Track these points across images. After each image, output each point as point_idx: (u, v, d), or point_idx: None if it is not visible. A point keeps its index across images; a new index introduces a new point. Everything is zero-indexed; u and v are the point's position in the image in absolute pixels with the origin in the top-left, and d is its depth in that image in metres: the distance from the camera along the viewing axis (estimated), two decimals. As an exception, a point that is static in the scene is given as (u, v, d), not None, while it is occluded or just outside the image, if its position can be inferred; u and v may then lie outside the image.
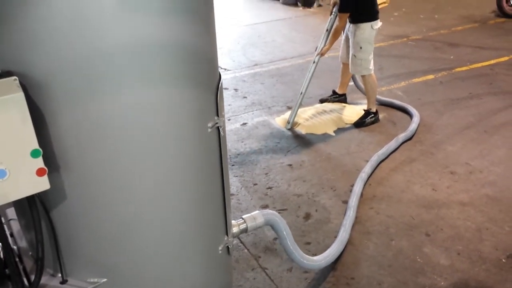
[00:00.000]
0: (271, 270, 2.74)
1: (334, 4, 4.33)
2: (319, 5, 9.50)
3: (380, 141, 4.13)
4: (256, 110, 4.89)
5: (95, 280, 1.45)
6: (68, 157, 1.30)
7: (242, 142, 4.24)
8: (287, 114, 4.62)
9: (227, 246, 1.79)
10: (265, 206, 3.31)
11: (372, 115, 4.46)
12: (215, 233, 1.70)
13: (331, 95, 4.99)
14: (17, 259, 1.52)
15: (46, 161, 1.19)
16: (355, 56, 4.27)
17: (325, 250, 2.70)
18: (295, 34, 7.64)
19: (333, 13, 4.34)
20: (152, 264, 1.50)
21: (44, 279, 1.42)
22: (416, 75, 5.67)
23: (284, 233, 2.24)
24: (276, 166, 3.83)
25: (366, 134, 4.31)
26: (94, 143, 1.30)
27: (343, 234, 2.86)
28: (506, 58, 6.14)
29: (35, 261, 1.52)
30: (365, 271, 2.71)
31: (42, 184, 1.20)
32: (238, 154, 4.03)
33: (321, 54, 4.43)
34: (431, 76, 5.62)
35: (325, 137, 4.29)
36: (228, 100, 5.08)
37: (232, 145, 4.16)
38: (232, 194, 3.44)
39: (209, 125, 1.51)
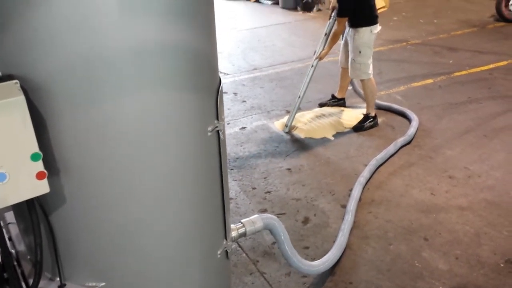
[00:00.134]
0: (269, 274, 2.74)
1: (333, 9, 4.35)
2: (319, 10, 9.53)
3: (379, 145, 4.13)
4: (255, 114, 4.90)
5: (93, 284, 1.45)
6: (68, 161, 1.30)
7: (241, 146, 4.25)
8: (286, 118, 4.62)
9: (226, 250, 1.79)
10: (264, 210, 3.31)
11: (371, 119, 4.47)
12: (214, 237, 1.70)
13: (330, 99, 5.00)
14: (15, 263, 1.52)
15: (45, 164, 1.19)
16: (354, 60, 4.28)
17: (324, 254, 2.71)
18: (295, 39, 7.66)
19: (332, 17, 4.36)
20: (151, 268, 1.50)
21: (42, 283, 1.42)
22: (415, 79, 5.69)
23: (283, 237, 2.24)
24: (275, 170, 3.83)
25: (365, 138, 4.32)
26: (94, 147, 1.30)
27: (342, 239, 2.86)
28: (505, 63, 6.16)
29: (33, 265, 1.53)
30: (364, 275, 2.71)
31: (42, 187, 1.20)
32: (237, 158, 4.03)
33: (320, 58, 4.45)
34: (430, 81, 5.63)
35: (324, 141, 4.29)
36: (228, 104, 5.09)
37: (231, 149, 4.16)
38: (231, 198, 3.45)
39: (209, 128, 1.51)
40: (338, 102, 4.96)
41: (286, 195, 3.50)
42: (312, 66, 4.48)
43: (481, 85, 5.46)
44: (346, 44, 4.50)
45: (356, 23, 4.20)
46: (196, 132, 1.47)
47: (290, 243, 2.29)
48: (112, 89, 1.24)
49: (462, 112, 4.77)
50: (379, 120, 4.56)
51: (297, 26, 8.55)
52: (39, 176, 1.19)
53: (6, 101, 1.10)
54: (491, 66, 6.05)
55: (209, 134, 1.52)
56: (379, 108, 4.79)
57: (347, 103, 4.99)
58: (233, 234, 1.91)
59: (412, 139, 4.23)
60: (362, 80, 4.38)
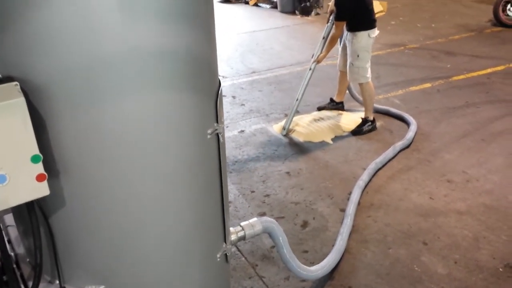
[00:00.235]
0: (268, 278, 2.73)
1: (331, 12, 4.36)
2: (317, 14, 9.55)
3: (378, 149, 4.14)
4: (254, 117, 4.90)
5: (93, 286, 1.44)
6: (68, 163, 1.30)
7: (240, 149, 4.24)
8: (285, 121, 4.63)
9: (225, 254, 1.79)
10: (263, 214, 3.30)
11: (370, 123, 4.48)
12: (214, 240, 1.70)
13: (328, 103, 5.01)
14: (14, 266, 1.51)
15: (45, 166, 1.19)
16: (352, 64, 4.29)
17: (323, 258, 2.70)
18: (293, 42, 7.68)
19: (329, 21, 4.38)
20: (150, 271, 1.49)
21: (41, 286, 1.41)
22: (413, 83, 5.70)
23: (281, 241, 2.23)
24: (274, 173, 3.83)
25: (364, 142, 4.32)
26: (94, 148, 1.29)
27: (341, 243, 2.86)
28: (502, 67, 6.18)
29: (32, 268, 1.52)
30: (363, 279, 2.70)
31: (42, 189, 1.19)
32: (236, 161, 4.03)
33: (318, 61, 4.46)
34: (428, 85, 5.65)
35: (322, 145, 4.29)
36: (226, 107, 5.09)
37: (230, 152, 4.16)
38: (230, 202, 3.44)
39: (209, 131, 1.51)
40: (336, 105, 4.97)
41: (285, 198, 3.49)
42: (310, 69, 4.49)
43: (479, 89, 5.48)
44: (344, 48, 4.51)
45: (354, 27, 4.21)
46: (195, 134, 1.47)
47: (289, 247, 2.28)
48: (112, 91, 1.24)
49: (460, 116, 4.79)
50: (378, 124, 4.57)
51: (295, 29, 8.57)
52: (39, 178, 1.18)
53: (6, 103, 1.10)
54: (489, 70, 6.07)
55: (208, 136, 1.52)
56: (378, 112, 4.79)
57: (346, 107, 4.99)
58: (233, 237, 1.91)
59: (411, 143, 4.23)
60: (360, 84, 4.39)
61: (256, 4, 10.71)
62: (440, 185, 3.62)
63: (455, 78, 5.85)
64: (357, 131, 4.45)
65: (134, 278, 1.49)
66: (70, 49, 1.17)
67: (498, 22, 8.14)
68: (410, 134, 4.30)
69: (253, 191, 3.59)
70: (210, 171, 1.58)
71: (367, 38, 4.19)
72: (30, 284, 1.42)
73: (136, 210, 1.41)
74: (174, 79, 1.34)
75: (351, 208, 3.21)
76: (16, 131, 1.12)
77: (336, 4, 4.21)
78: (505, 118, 4.72)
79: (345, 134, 4.48)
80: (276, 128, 4.62)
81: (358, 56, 4.23)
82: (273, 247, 2.93)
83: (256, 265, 2.83)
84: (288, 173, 3.84)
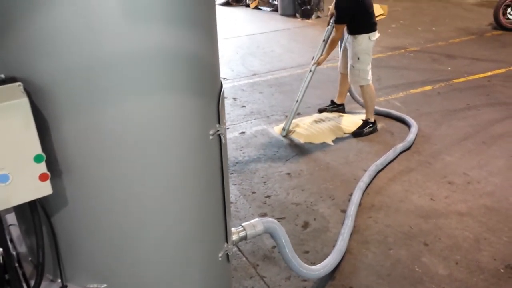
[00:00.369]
0: (269, 278, 2.74)
1: (332, 15, 4.38)
2: (318, 17, 9.57)
3: (378, 151, 4.14)
4: (255, 119, 4.91)
5: (95, 285, 1.45)
6: (70, 163, 1.30)
7: (241, 150, 4.25)
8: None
9: (227, 253, 1.79)
10: (264, 215, 3.31)
11: (371, 125, 4.49)
12: (215, 240, 1.71)
13: (329, 105, 5.02)
14: (16, 265, 1.52)
15: (48, 166, 1.20)
16: (353, 66, 4.31)
17: (324, 259, 2.70)
18: (294, 45, 7.70)
19: (330, 24, 4.39)
20: (152, 270, 1.50)
21: (43, 285, 1.42)
22: (414, 86, 5.71)
23: (283, 241, 2.24)
24: (275, 174, 3.84)
25: (365, 144, 4.33)
26: (96, 149, 1.30)
27: (342, 243, 2.86)
28: (503, 70, 6.19)
29: (34, 267, 1.53)
30: (364, 280, 2.71)
31: (45, 189, 1.20)
32: (237, 163, 4.04)
33: (318, 63, 4.48)
34: (429, 87, 5.66)
35: (323, 146, 4.30)
36: (227, 109, 5.10)
37: (231, 153, 4.17)
38: (231, 202, 3.45)
39: (211, 132, 1.52)
40: (337, 107, 4.98)
41: (286, 199, 3.50)
42: (310, 71, 4.51)
43: (480, 92, 5.49)
44: (345, 50, 4.52)
45: (355, 30, 4.23)
46: (197, 135, 1.48)
47: (290, 247, 2.29)
48: (113, 92, 1.25)
49: (461, 118, 4.79)
50: (378, 126, 4.58)
51: (296, 32, 8.60)
52: (42, 177, 1.19)
53: (10, 103, 1.11)
54: (490, 73, 6.08)
55: (210, 137, 1.53)
56: (379, 114, 4.80)
57: (346, 109, 5.00)
58: (234, 237, 1.91)
59: (412, 145, 4.24)
60: (361, 86, 4.40)
61: (257, 7, 10.74)
62: (441, 186, 3.62)
63: (455, 80, 5.86)
64: (358, 133, 4.46)
65: (135, 277, 1.50)
66: (72, 50, 1.18)
67: (498, 25, 8.16)
68: (411, 136, 4.31)
69: (254, 192, 3.60)
70: (212, 171, 1.59)
71: (368, 41, 4.20)
72: (32, 282, 1.42)
73: (137, 210, 1.42)
74: (176, 80, 1.35)
75: (352, 209, 3.21)
76: (19, 131, 1.13)
77: (336, 7, 4.23)
78: (506, 120, 4.72)
79: (346, 135, 4.49)
80: (277, 130, 4.63)
81: (358, 58, 4.24)
82: (274, 247, 2.94)
83: (257, 265, 2.83)
84: (289, 174, 3.84)
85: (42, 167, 1.18)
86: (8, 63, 1.22)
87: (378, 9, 9.13)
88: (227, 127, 4.65)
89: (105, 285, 1.46)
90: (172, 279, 1.57)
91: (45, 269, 1.38)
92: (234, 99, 5.44)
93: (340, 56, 4.69)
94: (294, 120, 4.68)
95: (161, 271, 1.53)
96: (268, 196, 3.54)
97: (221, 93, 1.58)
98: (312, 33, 8.42)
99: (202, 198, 1.57)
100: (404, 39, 7.79)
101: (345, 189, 3.61)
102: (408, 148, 4.19)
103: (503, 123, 4.66)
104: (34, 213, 1.28)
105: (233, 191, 3.59)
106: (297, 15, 9.66)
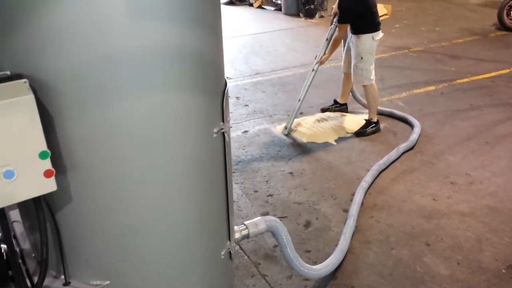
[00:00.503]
0: (271, 277, 2.74)
1: (335, 15, 4.38)
2: (321, 16, 9.57)
3: (381, 150, 4.14)
4: (258, 118, 4.92)
5: (98, 282, 1.46)
6: (75, 160, 1.31)
7: (243, 149, 4.26)
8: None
9: (229, 251, 1.80)
10: (266, 213, 3.31)
11: (373, 124, 4.49)
12: (218, 238, 1.71)
13: (332, 105, 5.02)
14: (20, 261, 1.53)
15: (52, 163, 1.20)
16: (356, 66, 4.31)
17: (326, 258, 2.71)
18: (297, 44, 7.69)
19: (333, 23, 4.39)
20: (156, 267, 1.51)
21: (47, 281, 1.43)
22: (417, 86, 5.71)
23: (285, 240, 2.24)
24: (277, 174, 3.84)
25: (367, 143, 4.33)
26: (101, 146, 1.31)
27: (343, 243, 2.86)
28: (506, 71, 6.17)
29: (38, 263, 1.54)
30: (365, 279, 2.71)
31: (49, 185, 1.21)
32: (239, 161, 4.04)
33: (321, 62, 4.48)
34: (432, 87, 5.65)
35: (326, 146, 4.30)
36: (230, 108, 5.10)
37: (233, 152, 4.17)
38: (233, 201, 3.45)
39: (215, 130, 1.52)
40: (340, 107, 4.98)
41: (288, 198, 3.50)
42: (313, 70, 4.51)
43: (483, 92, 5.48)
44: (348, 50, 4.53)
45: (358, 30, 4.22)
46: (202, 133, 1.49)
47: (292, 246, 2.29)
48: (118, 90, 1.26)
49: (464, 119, 4.79)
50: (381, 125, 4.58)
51: (299, 32, 8.59)
52: (47, 174, 1.20)
53: (16, 100, 1.11)
54: (493, 74, 6.07)
55: (214, 135, 1.54)
56: (382, 114, 4.80)
57: (349, 109, 5.00)
58: (237, 235, 1.92)
59: (415, 145, 4.23)
60: (364, 86, 4.39)
61: (260, 7, 10.75)
62: (444, 187, 3.62)
63: (459, 81, 5.85)
64: (361, 133, 4.46)
65: (138, 274, 1.50)
66: (77, 48, 1.19)
67: (502, 26, 8.14)
68: (414, 136, 4.31)
69: (256, 191, 3.60)
70: (216, 169, 1.59)
71: (371, 41, 4.20)
72: (35, 279, 1.43)
73: (140, 208, 1.42)
74: (181, 78, 1.36)
75: (354, 209, 3.21)
76: (25, 127, 1.14)
77: (339, 6, 4.23)
78: (509, 121, 4.71)
79: (348, 135, 4.49)
80: (279, 129, 4.63)
81: (362, 58, 4.24)
82: (276, 246, 2.94)
83: (259, 264, 2.84)
84: (291, 173, 3.85)
85: (47, 164, 1.19)
86: (14, 60, 1.22)
87: (381, 9, 9.14)
88: (230, 126, 4.67)
89: (108, 282, 1.46)
90: (175, 277, 1.58)
91: (48, 266, 1.38)
92: (237, 98, 5.45)
93: (343, 55, 4.69)
94: (296, 120, 4.69)
95: (164, 269, 1.53)
96: (270, 195, 3.55)
97: (226, 91, 1.59)
98: (315, 32, 8.42)
99: (206, 196, 1.57)
100: (407, 39, 7.78)
101: (347, 188, 3.61)
102: (411, 148, 4.19)
103: (506, 124, 4.65)
104: (38, 209, 1.29)
105: (236, 190, 3.60)
106: (301, 14, 9.66)
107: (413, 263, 2.82)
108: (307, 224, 3.21)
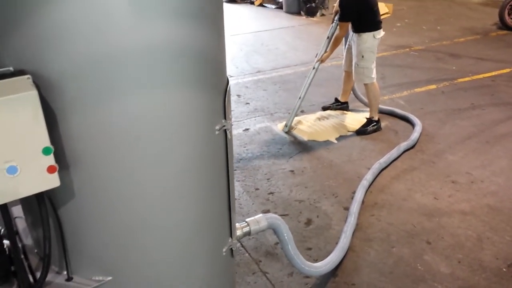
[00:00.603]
0: (272, 274, 2.75)
1: (336, 13, 4.38)
2: (322, 15, 9.56)
3: (382, 149, 4.15)
4: (259, 116, 4.92)
5: (100, 278, 1.46)
6: (77, 156, 1.31)
7: (244, 147, 4.26)
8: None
9: (231, 248, 1.80)
10: (267, 211, 3.32)
11: (374, 123, 4.49)
12: (220, 234, 1.71)
13: (333, 103, 5.02)
14: (22, 257, 1.53)
15: (55, 159, 1.21)
16: (357, 64, 4.31)
17: (326, 256, 2.71)
18: (298, 42, 7.69)
19: (334, 21, 4.39)
20: (158, 263, 1.51)
21: (49, 276, 1.43)
22: (419, 85, 5.71)
23: (286, 238, 2.25)
24: (278, 171, 3.85)
25: (368, 142, 4.33)
26: (104, 143, 1.31)
27: (344, 241, 2.87)
28: (507, 70, 6.17)
29: (40, 259, 1.54)
30: (366, 277, 2.71)
31: (53, 181, 1.21)
32: (240, 159, 4.04)
33: (321, 60, 4.48)
34: (433, 86, 5.65)
35: (327, 144, 4.30)
36: (231, 105, 5.09)
37: (235, 150, 4.18)
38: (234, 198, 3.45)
39: (217, 127, 1.52)
40: (341, 105, 4.98)
41: (289, 196, 3.51)
42: (314, 68, 4.51)
43: (484, 91, 5.48)
44: (349, 48, 4.52)
45: (359, 28, 4.22)
46: (204, 130, 1.49)
47: (293, 244, 2.30)
48: (121, 87, 1.26)
49: (465, 118, 4.79)
50: (382, 124, 4.58)
51: (300, 30, 8.59)
52: (50, 170, 1.20)
53: (20, 95, 1.12)
54: (494, 73, 6.07)
55: (216, 133, 1.54)
56: (383, 112, 4.80)
57: (350, 107, 5.00)
58: (238, 233, 1.92)
59: (415, 143, 4.24)
60: (365, 84, 4.39)
61: (261, 5, 10.74)
62: (444, 185, 3.62)
63: (460, 80, 5.85)
64: (362, 131, 4.46)
65: (140, 270, 1.51)
66: (80, 45, 1.18)
67: (503, 25, 8.14)
68: (415, 135, 4.31)
69: (257, 189, 3.61)
70: (218, 166, 1.60)
71: (372, 39, 4.20)
72: (37, 274, 1.44)
73: (143, 204, 1.42)
74: (184, 76, 1.36)
75: (355, 207, 3.22)
76: (28, 123, 1.14)
77: (340, 5, 4.23)
78: (510, 120, 4.72)
79: (349, 133, 4.49)
80: (280, 127, 4.63)
81: (363, 57, 4.24)
82: (277, 243, 2.95)
83: (260, 261, 2.84)
84: (292, 171, 3.85)
85: (50, 160, 1.19)
86: (17, 56, 1.22)
87: (383, 8, 9.14)
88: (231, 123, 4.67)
89: (110, 278, 1.47)
90: (177, 273, 1.58)
91: (51, 261, 1.39)
92: (238, 96, 5.45)
93: (344, 54, 4.69)
94: (298, 118, 4.69)
95: (166, 265, 1.54)
96: (271, 193, 3.55)
97: (228, 88, 1.59)
98: (316, 31, 8.41)
99: (208, 193, 1.57)
100: (409, 38, 7.77)
101: (348, 187, 3.61)
102: (412, 147, 4.19)
103: (507, 123, 4.65)
104: (41, 205, 1.29)
105: (237, 188, 3.60)
106: (302, 12, 9.65)
107: (414, 262, 2.83)
108: (308, 222, 3.21)
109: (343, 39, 4.49)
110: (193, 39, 1.34)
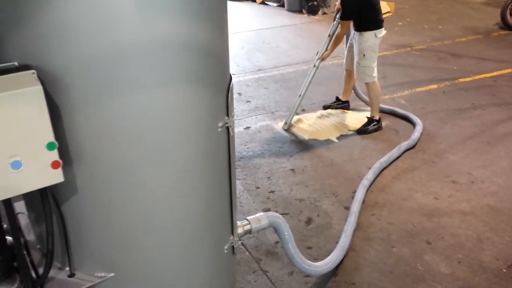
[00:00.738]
0: (272, 273, 2.75)
1: (338, 11, 4.37)
2: (324, 13, 9.55)
3: (383, 148, 4.15)
4: (260, 114, 4.91)
5: (103, 274, 1.46)
6: (81, 152, 1.31)
7: (245, 145, 4.26)
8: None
9: (232, 246, 1.80)
10: (267, 210, 3.32)
11: (375, 122, 4.49)
12: (222, 232, 1.72)
13: (334, 102, 5.02)
14: (25, 252, 1.53)
15: (59, 154, 1.21)
16: (359, 63, 4.30)
17: (327, 255, 2.72)
18: (300, 41, 7.68)
19: (336, 19, 4.39)
20: (160, 260, 1.51)
21: (52, 272, 1.43)
22: (420, 84, 5.70)
23: (287, 236, 2.25)
24: (279, 170, 3.85)
25: (369, 141, 4.33)
26: (107, 139, 1.31)
27: (344, 240, 2.87)
28: (509, 70, 6.17)
29: (43, 255, 1.54)
30: (366, 277, 2.72)
31: (56, 176, 1.21)
32: (241, 158, 4.04)
33: (322, 58, 4.48)
34: (434, 86, 5.65)
35: (328, 143, 4.31)
36: (232, 103, 5.10)
37: (235, 148, 4.15)
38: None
39: (220, 124, 1.52)
40: (342, 104, 4.98)
41: (289, 195, 3.51)
42: (315, 66, 4.51)
43: (485, 91, 5.48)
44: (350, 47, 4.52)
45: (361, 27, 4.22)
46: (206, 127, 1.49)
47: (294, 243, 2.30)
48: (125, 83, 1.26)
49: (466, 118, 4.79)
50: (383, 123, 4.57)
51: (302, 28, 8.57)
52: (54, 165, 1.20)
53: (24, 90, 1.12)
54: (495, 73, 6.07)
55: (219, 129, 1.54)
56: (383, 112, 4.79)
57: (351, 106, 5.00)
58: (239, 230, 1.92)
59: (416, 143, 4.24)
60: (367, 83, 4.39)
61: (263, 2, 10.71)
62: (445, 185, 3.62)
63: (461, 80, 5.85)
64: (363, 130, 4.46)
65: (142, 267, 1.51)
66: (85, 41, 1.18)
67: (505, 25, 8.12)
68: (416, 134, 4.31)
69: (258, 187, 3.61)
70: (220, 163, 1.60)
71: (374, 38, 4.19)
72: (40, 270, 1.44)
73: (147, 200, 1.42)
74: (187, 72, 1.36)
75: (355, 206, 3.22)
76: (33, 118, 1.14)
77: (342, 3, 4.22)
78: (511, 120, 4.71)
79: (350, 133, 4.49)
80: (281, 126, 4.63)
81: (364, 55, 4.23)
82: (277, 242, 2.95)
83: (260, 260, 2.84)
84: (293, 170, 3.85)
85: (54, 155, 1.19)
86: (21, 51, 1.22)
87: (385, 7, 9.12)
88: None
89: (112, 274, 1.47)
90: (180, 269, 1.58)
91: (53, 257, 1.39)
92: (239, 94, 5.44)
93: (345, 52, 4.68)
94: (298, 116, 4.69)
95: (168, 262, 1.54)
96: (272, 192, 3.55)
97: (231, 85, 1.59)
98: (318, 29, 8.40)
99: (210, 190, 1.57)
100: (410, 37, 7.76)
101: (348, 186, 3.61)
102: (413, 147, 4.19)
103: (508, 123, 4.65)
104: (44, 200, 1.29)
105: (237, 186, 3.60)
106: (304, 11, 9.63)
107: (414, 261, 2.83)
108: (309, 221, 3.22)
109: (344, 37, 4.48)
110: (196, 36, 1.34)
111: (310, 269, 2.46)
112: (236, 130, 4.52)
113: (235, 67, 6.35)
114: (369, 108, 4.60)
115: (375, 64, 4.29)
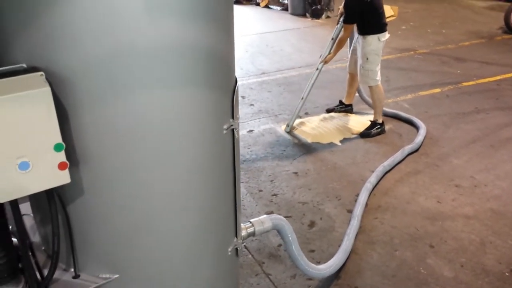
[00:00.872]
0: (274, 276, 2.75)
1: (341, 15, 4.39)
2: (328, 17, 9.57)
3: (386, 152, 4.15)
4: (263, 117, 4.92)
5: (107, 275, 1.47)
6: (87, 153, 1.32)
7: (248, 148, 4.27)
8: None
9: (236, 248, 1.81)
10: (270, 213, 3.32)
11: (378, 126, 4.49)
12: (226, 234, 1.72)
13: (337, 105, 5.03)
14: (30, 254, 1.54)
15: (65, 155, 1.22)
16: (362, 67, 4.31)
17: (329, 258, 2.72)
18: (303, 44, 7.70)
19: (339, 23, 4.40)
20: (164, 262, 1.52)
21: (56, 274, 1.44)
22: (423, 88, 5.71)
23: (290, 239, 2.25)
24: (282, 173, 3.85)
25: (372, 144, 4.34)
26: (113, 141, 1.32)
27: (347, 243, 2.87)
28: (512, 74, 6.18)
29: (48, 256, 1.55)
30: (369, 280, 2.71)
31: (63, 177, 1.22)
32: (244, 161, 4.05)
33: (325, 61, 4.49)
34: (437, 90, 5.65)
35: (331, 146, 4.31)
36: (236, 106, 5.11)
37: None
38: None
39: (225, 127, 1.53)
40: (345, 108, 4.98)
41: (292, 198, 3.51)
42: (317, 69, 4.52)
43: (489, 95, 5.47)
44: (354, 50, 4.53)
45: (364, 31, 4.23)
46: (212, 129, 1.50)
47: (297, 245, 2.30)
48: (132, 85, 1.27)
49: (470, 122, 4.79)
50: (386, 127, 4.58)
51: (305, 32, 8.59)
52: (61, 166, 1.21)
53: (33, 92, 1.13)
54: (499, 77, 6.06)
55: (224, 132, 1.55)
56: (387, 115, 4.80)
57: (355, 109, 5.01)
58: (243, 233, 1.93)
59: (420, 147, 4.24)
60: (370, 87, 4.40)
61: (267, 6, 10.75)
62: (448, 189, 3.62)
63: (464, 84, 5.85)
64: (366, 134, 4.46)
65: (147, 268, 1.52)
66: (92, 43, 1.20)
67: (509, 29, 8.12)
68: (419, 138, 4.31)
69: (261, 190, 3.61)
70: (225, 165, 1.60)
71: (377, 42, 4.20)
72: (45, 271, 1.45)
73: (152, 202, 1.43)
74: (194, 75, 1.37)
75: (358, 210, 3.22)
76: (41, 119, 1.15)
77: (345, 7, 4.23)
78: (515, 125, 4.71)
79: (353, 136, 4.49)
80: (283, 128, 4.64)
81: (368, 59, 4.24)
82: (280, 245, 2.96)
83: (263, 263, 2.85)
84: (296, 173, 3.85)
85: (62, 156, 1.20)
86: (29, 53, 1.24)
87: (388, 10, 9.08)
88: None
89: (117, 275, 1.48)
90: (184, 270, 1.59)
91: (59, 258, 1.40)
92: (243, 97, 5.46)
93: (349, 56, 4.69)
94: (302, 119, 4.70)
95: (172, 263, 1.55)
96: (275, 195, 3.56)
97: (236, 88, 1.60)
98: (322, 33, 8.42)
99: (215, 192, 1.58)
100: (413, 41, 7.77)
101: (351, 189, 3.62)
102: (416, 150, 4.19)
103: (511, 127, 4.64)
104: (51, 202, 1.30)
105: (240, 189, 3.60)
106: (307, 14, 9.66)
107: (417, 265, 2.83)
108: (311, 224, 3.22)
109: (348, 41, 4.50)
110: (203, 38, 1.35)
111: (313, 271, 2.46)
112: (239, 133, 4.53)
113: (238, 70, 6.37)
114: (372, 112, 4.60)
115: (378, 68, 4.30)
